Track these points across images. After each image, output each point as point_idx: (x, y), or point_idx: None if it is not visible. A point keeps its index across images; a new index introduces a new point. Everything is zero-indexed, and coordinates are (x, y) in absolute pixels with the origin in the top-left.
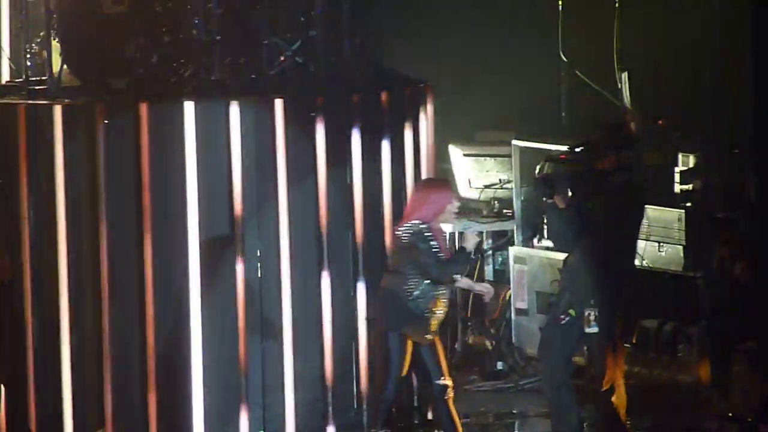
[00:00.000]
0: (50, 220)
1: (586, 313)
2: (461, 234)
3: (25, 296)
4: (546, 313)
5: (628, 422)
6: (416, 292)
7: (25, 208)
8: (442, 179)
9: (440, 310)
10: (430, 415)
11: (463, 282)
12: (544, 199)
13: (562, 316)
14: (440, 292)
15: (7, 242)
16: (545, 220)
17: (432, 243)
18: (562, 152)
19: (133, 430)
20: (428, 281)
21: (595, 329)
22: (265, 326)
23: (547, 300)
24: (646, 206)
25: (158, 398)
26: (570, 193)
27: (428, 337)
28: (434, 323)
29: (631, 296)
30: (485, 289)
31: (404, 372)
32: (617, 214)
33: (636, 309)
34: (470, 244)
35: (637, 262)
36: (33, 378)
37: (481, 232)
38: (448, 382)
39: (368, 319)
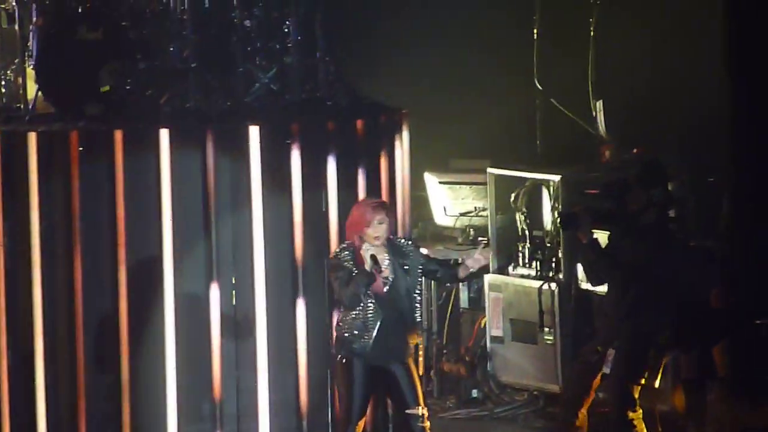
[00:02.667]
0: (25, 248)
1: (609, 351)
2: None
3: None
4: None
5: None
6: (353, 315)
7: (0, 235)
8: (374, 200)
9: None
10: None
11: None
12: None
13: (594, 352)
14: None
15: None
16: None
17: (348, 267)
18: (591, 188)
19: None
20: (372, 302)
21: (608, 369)
22: (240, 354)
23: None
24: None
25: (132, 424)
26: (594, 230)
27: (405, 362)
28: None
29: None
30: (482, 258)
31: (369, 401)
32: (649, 252)
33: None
34: (368, 265)
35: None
36: (9, 411)
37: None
38: (424, 411)
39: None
